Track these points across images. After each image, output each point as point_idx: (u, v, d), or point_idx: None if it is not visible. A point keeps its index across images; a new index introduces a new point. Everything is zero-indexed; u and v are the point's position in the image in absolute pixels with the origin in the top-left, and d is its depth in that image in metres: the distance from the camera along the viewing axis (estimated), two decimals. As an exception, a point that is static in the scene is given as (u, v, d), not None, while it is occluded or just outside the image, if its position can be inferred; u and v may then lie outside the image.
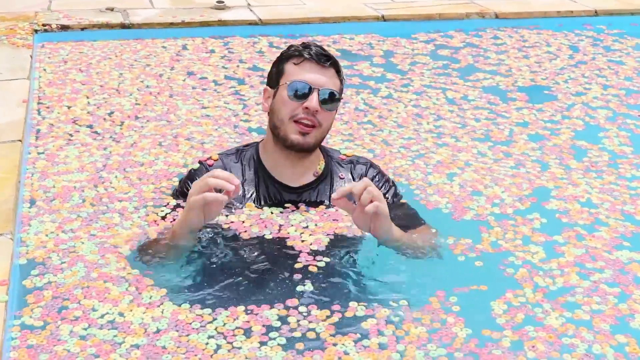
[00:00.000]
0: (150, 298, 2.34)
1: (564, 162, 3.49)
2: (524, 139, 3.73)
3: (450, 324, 2.30)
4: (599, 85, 4.49)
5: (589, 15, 5.92)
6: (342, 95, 2.72)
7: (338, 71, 2.66)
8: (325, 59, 2.61)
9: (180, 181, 2.83)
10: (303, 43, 2.68)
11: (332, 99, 2.60)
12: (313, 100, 2.56)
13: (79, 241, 2.65)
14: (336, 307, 2.33)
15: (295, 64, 2.62)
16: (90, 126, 3.66)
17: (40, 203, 2.90)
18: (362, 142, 3.59)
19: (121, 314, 2.26)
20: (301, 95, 2.57)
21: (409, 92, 4.30)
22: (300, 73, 2.60)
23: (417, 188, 3.16)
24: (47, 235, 2.68)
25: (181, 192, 2.69)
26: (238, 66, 4.59)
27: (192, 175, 2.70)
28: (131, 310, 2.28)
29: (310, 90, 2.57)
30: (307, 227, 2.64)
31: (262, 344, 2.17)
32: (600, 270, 2.63)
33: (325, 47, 2.79)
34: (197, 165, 2.73)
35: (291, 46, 2.69)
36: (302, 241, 2.58)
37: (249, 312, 2.29)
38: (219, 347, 2.15)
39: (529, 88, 4.46)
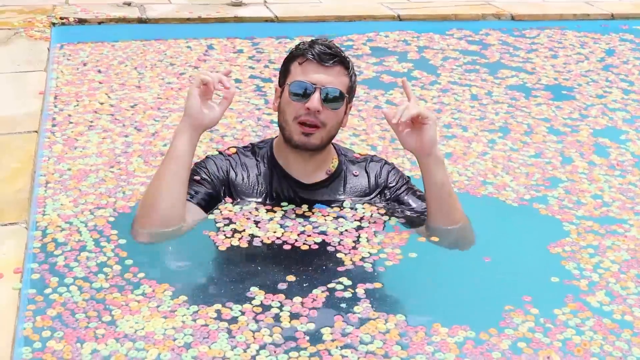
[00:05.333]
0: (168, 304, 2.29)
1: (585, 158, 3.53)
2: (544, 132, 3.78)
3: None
4: (619, 90, 4.47)
5: (606, 19, 5.91)
6: (353, 92, 2.69)
7: (346, 68, 2.63)
8: (328, 58, 2.58)
9: (195, 164, 2.74)
10: (311, 40, 2.65)
11: (335, 98, 2.58)
12: (314, 100, 2.54)
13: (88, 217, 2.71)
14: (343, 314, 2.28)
15: (299, 63, 2.61)
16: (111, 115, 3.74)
17: (55, 185, 2.95)
18: (367, 137, 3.61)
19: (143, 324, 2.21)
20: (302, 95, 2.56)
21: (433, 90, 4.31)
22: (303, 73, 2.58)
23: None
24: (59, 216, 2.72)
25: (194, 172, 2.65)
26: (267, 66, 4.60)
27: (208, 158, 2.72)
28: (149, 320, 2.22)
29: (312, 90, 2.56)
30: (314, 230, 2.64)
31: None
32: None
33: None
34: (215, 152, 2.75)
35: (298, 44, 2.67)
36: (310, 246, 2.57)
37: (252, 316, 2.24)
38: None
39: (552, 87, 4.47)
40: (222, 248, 2.55)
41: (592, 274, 2.58)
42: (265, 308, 2.27)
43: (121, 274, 2.41)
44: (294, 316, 2.25)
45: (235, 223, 2.62)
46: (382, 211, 2.74)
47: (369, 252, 2.56)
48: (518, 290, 2.47)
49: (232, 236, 2.59)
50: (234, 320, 2.22)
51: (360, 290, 2.38)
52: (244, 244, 2.56)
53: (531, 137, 3.73)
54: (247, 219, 2.65)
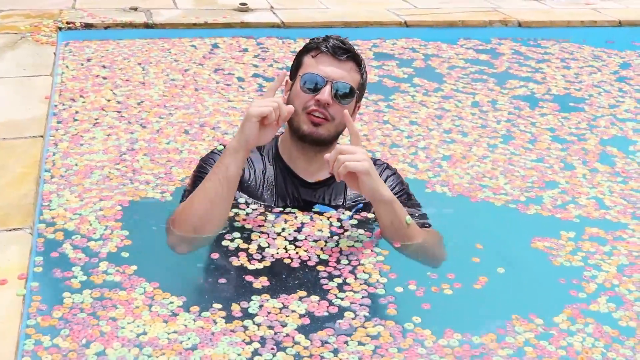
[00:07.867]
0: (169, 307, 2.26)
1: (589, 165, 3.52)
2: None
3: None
4: (632, 99, 4.45)
5: (613, 26, 5.90)
6: (364, 90, 2.69)
7: (358, 65, 2.63)
8: (342, 52, 2.59)
9: (201, 160, 2.74)
10: (325, 35, 2.66)
11: (346, 94, 2.58)
12: (325, 93, 2.54)
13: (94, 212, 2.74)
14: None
15: (312, 56, 2.62)
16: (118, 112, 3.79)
17: (58, 180, 3.00)
18: (367, 143, 3.61)
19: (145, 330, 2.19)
20: (313, 88, 2.56)
21: (432, 96, 4.30)
22: (316, 66, 2.59)
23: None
24: (65, 215, 2.74)
25: (203, 169, 2.64)
26: (271, 65, 4.62)
27: (215, 154, 2.67)
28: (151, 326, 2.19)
29: (323, 82, 2.56)
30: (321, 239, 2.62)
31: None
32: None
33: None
34: (221, 147, 2.70)
35: (312, 39, 2.68)
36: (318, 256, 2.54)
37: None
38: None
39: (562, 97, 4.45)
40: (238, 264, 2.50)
41: (594, 277, 2.58)
42: (263, 311, 2.27)
43: (121, 274, 2.41)
44: (294, 319, 2.24)
45: (249, 241, 2.58)
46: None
47: (370, 263, 2.53)
48: (517, 296, 2.48)
49: (238, 255, 2.54)
50: (233, 320, 2.21)
51: (358, 295, 2.37)
52: (254, 264, 2.50)
53: (535, 144, 3.74)
54: (260, 228, 2.62)
